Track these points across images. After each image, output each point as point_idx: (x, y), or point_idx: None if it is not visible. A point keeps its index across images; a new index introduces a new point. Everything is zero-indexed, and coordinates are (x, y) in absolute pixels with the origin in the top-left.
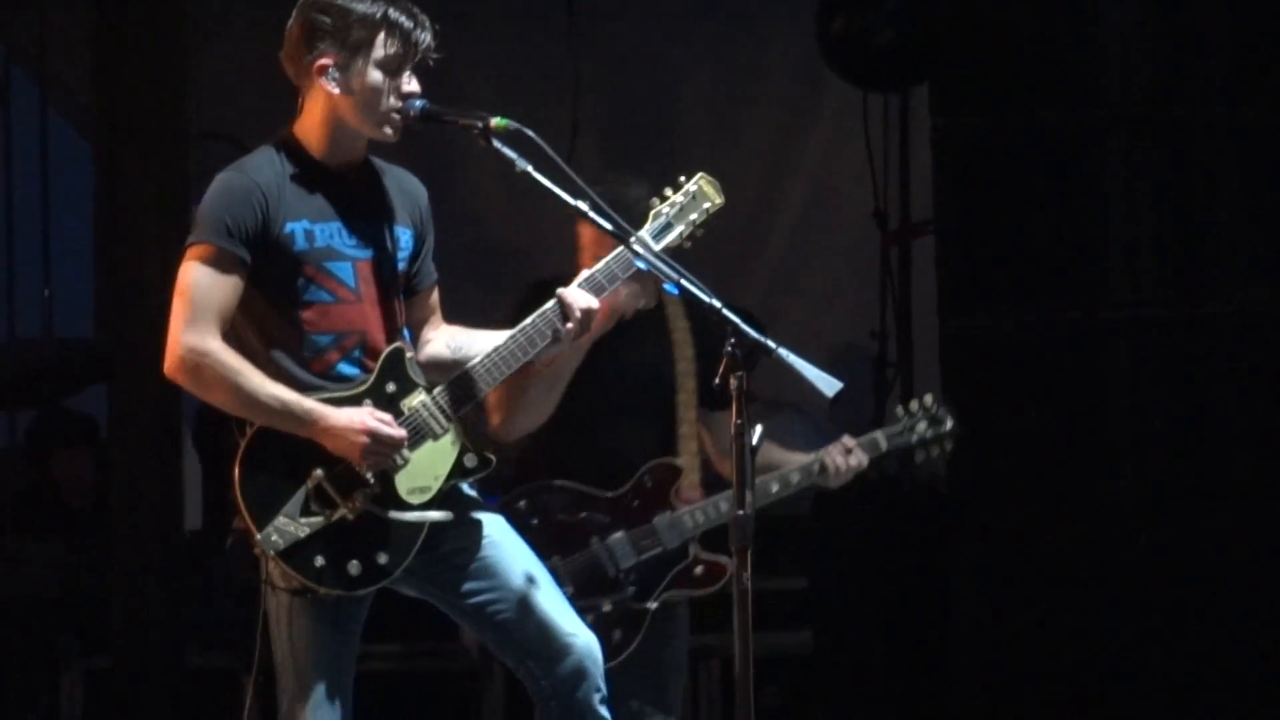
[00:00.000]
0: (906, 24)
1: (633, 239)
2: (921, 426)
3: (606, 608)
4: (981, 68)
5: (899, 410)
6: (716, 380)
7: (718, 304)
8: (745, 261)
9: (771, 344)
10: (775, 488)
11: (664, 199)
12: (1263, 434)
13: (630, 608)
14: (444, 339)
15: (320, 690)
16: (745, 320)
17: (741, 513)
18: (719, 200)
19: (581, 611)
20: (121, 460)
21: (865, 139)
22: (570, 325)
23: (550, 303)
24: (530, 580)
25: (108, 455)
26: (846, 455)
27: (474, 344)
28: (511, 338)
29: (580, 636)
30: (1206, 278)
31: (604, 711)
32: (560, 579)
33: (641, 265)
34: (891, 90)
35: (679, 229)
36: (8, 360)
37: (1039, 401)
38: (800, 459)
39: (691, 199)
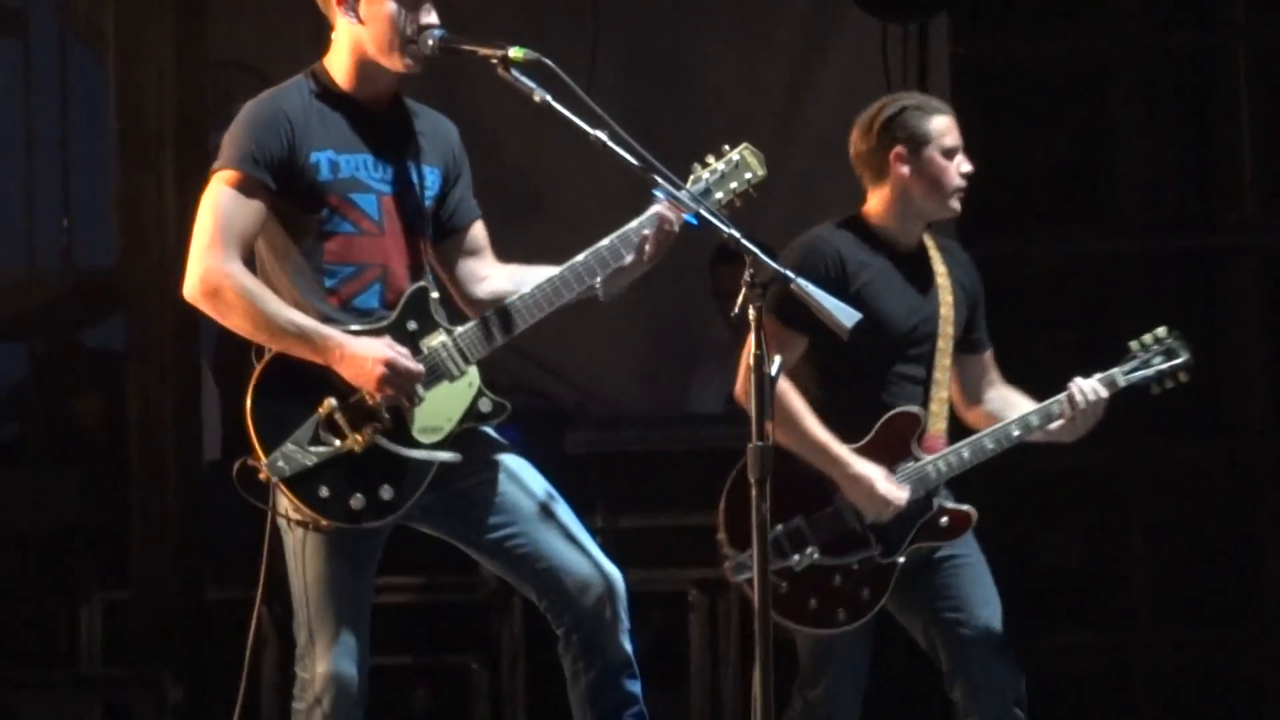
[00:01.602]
0: None
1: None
2: (1157, 360)
3: (854, 565)
4: None
5: (1133, 345)
6: (735, 311)
7: (736, 234)
8: (762, 192)
9: (790, 274)
10: (1016, 431)
11: (705, 165)
12: None
13: (878, 564)
14: (506, 275)
15: (336, 625)
16: (763, 251)
17: (761, 444)
18: (761, 172)
19: (829, 570)
20: (140, 392)
21: (884, 69)
22: (660, 239)
23: (603, 241)
24: (549, 514)
25: (125, 387)
26: (1084, 395)
27: (537, 280)
28: (555, 276)
29: (602, 568)
30: (1225, 206)
31: (626, 644)
32: (806, 538)
33: (660, 195)
34: (910, 20)
35: (717, 195)
36: (26, 292)
37: (1057, 331)
38: (1034, 404)
39: (734, 168)
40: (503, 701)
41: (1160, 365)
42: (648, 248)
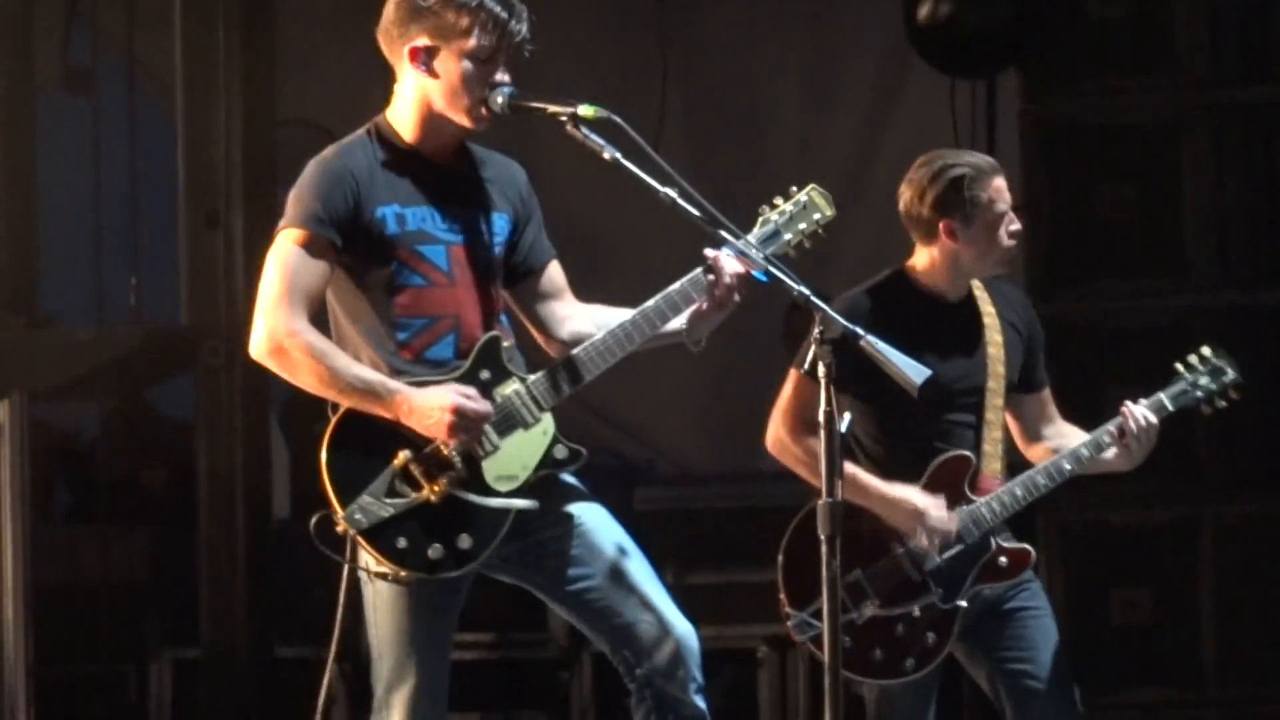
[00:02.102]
0: (993, 9)
1: (722, 228)
2: (1204, 381)
3: (916, 613)
4: (1068, 52)
5: (1178, 367)
6: (805, 366)
7: (806, 291)
8: (831, 248)
9: (860, 331)
10: (1068, 465)
11: (773, 206)
12: None
13: (940, 609)
14: (589, 316)
15: (414, 678)
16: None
17: (832, 500)
18: (830, 212)
19: (891, 621)
20: (208, 450)
21: (953, 125)
22: (721, 287)
23: (673, 285)
24: (625, 569)
25: (194, 445)
26: (1137, 421)
27: (615, 323)
28: (625, 322)
29: (677, 625)
30: None
31: (699, 701)
32: (865, 591)
33: (729, 251)
34: (979, 77)
35: (786, 237)
36: (95, 350)
37: (1127, 386)
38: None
39: (802, 209)
40: None
41: (1207, 385)
42: (718, 291)
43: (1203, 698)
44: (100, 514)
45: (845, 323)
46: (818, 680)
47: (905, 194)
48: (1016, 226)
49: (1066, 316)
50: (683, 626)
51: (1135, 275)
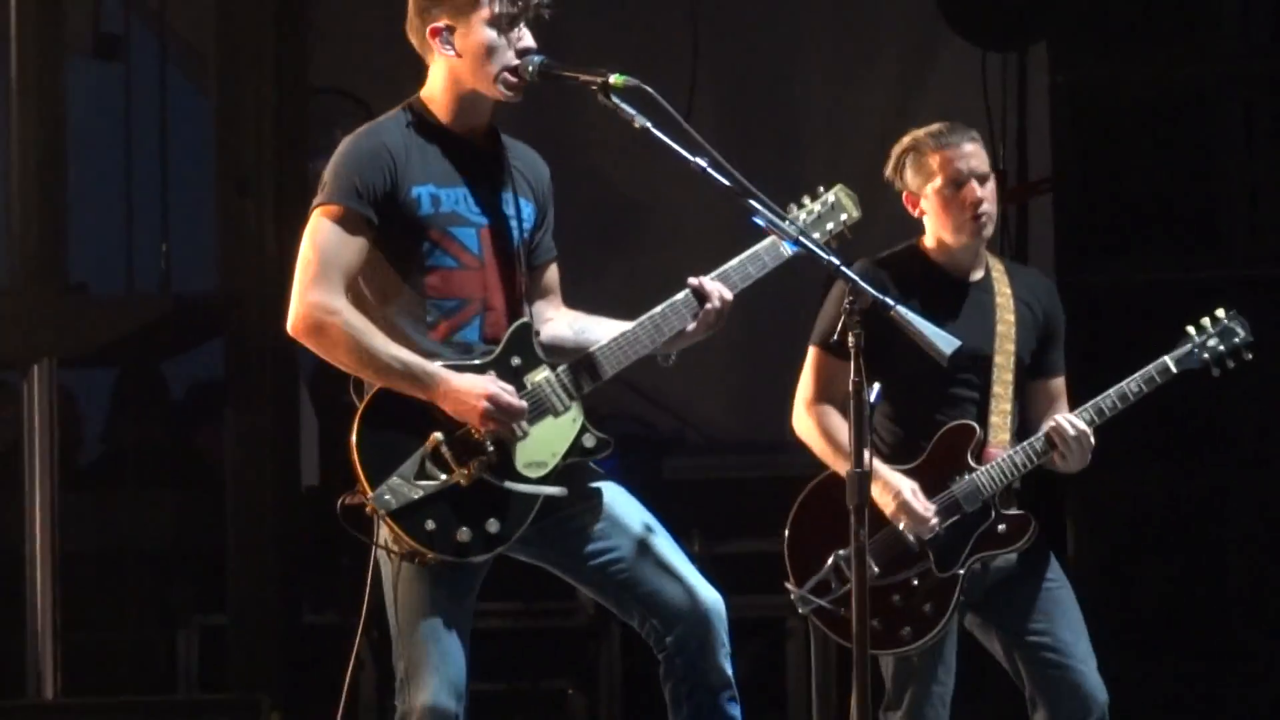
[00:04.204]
0: None
1: (754, 200)
2: (1212, 342)
3: (914, 582)
4: (1099, 24)
5: (1189, 329)
6: (834, 337)
7: (836, 261)
8: (861, 219)
9: (890, 301)
10: (1038, 447)
11: (801, 206)
12: None
13: (938, 578)
14: (567, 320)
15: (436, 655)
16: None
17: (859, 470)
18: (856, 214)
19: (887, 590)
20: (238, 417)
21: (983, 97)
22: (709, 309)
23: (681, 293)
24: (649, 541)
25: (223, 412)
26: (1061, 435)
27: (597, 329)
28: (640, 324)
29: (703, 592)
30: None
31: (727, 667)
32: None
33: (760, 222)
34: (1009, 48)
35: (813, 237)
36: (125, 316)
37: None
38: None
39: (829, 209)
40: None
41: (1215, 346)
42: (709, 319)
43: (1232, 670)
44: (128, 480)
45: (876, 293)
46: (845, 651)
47: None
48: (978, 194)
49: (1096, 288)
50: (709, 594)
51: (1165, 246)
